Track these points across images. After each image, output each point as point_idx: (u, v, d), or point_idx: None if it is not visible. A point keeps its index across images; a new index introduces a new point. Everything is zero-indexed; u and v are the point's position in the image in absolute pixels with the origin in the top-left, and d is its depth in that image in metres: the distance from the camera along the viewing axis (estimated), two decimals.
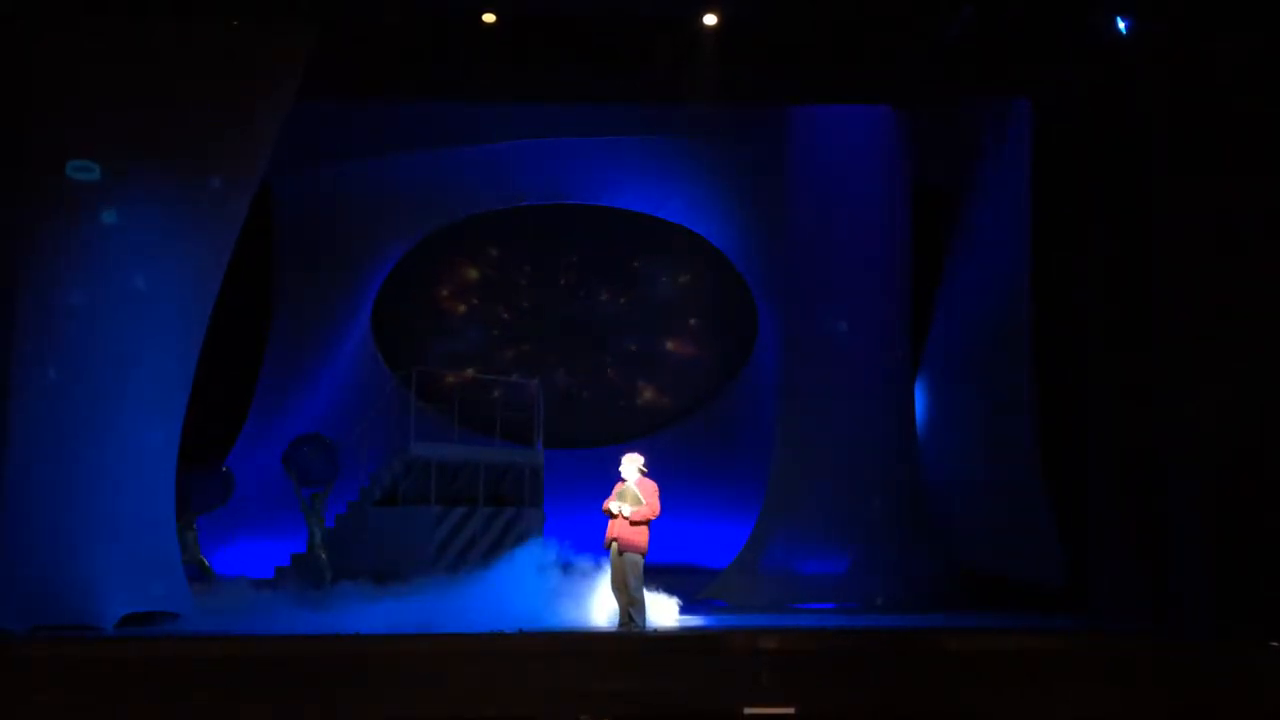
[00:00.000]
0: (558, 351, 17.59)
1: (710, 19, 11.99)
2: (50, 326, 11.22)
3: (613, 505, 10.70)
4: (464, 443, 15.30)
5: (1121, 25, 11.73)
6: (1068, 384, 12.75)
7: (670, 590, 11.71)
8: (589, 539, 11.85)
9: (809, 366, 14.63)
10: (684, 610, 11.74)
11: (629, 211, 17.54)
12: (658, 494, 10.78)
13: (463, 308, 17.77)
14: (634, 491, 10.69)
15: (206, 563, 13.82)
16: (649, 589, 11.18)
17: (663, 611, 11.36)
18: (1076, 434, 12.58)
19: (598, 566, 11.43)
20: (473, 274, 17.77)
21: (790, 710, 9.09)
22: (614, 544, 10.69)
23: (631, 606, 10.53)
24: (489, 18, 11.89)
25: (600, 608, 11.21)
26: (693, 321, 17.79)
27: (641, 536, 10.62)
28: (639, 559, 10.60)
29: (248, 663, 9.36)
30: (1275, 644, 9.59)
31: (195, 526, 13.78)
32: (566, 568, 11.62)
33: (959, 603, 13.82)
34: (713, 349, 17.74)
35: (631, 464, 10.92)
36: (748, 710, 9.10)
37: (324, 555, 13.50)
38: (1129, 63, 11.72)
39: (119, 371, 11.32)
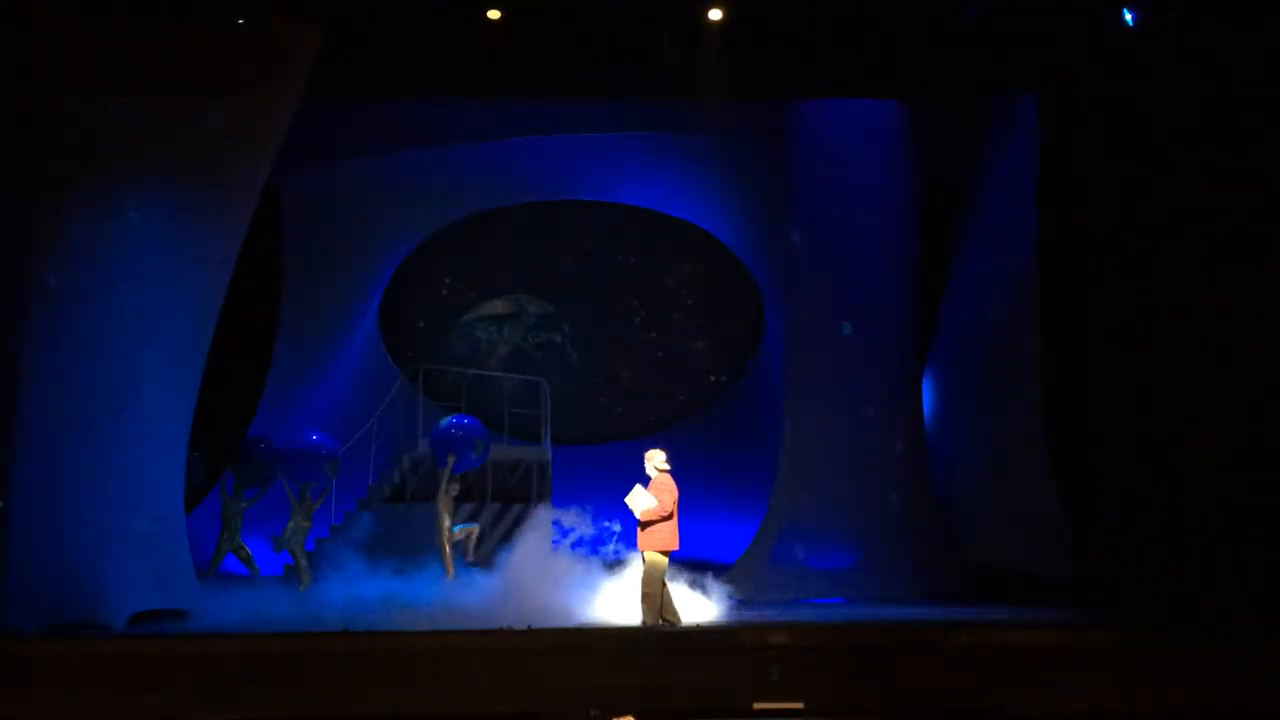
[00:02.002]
0: (564, 347, 17.59)
1: (715, 14, 11.98)
2: (58, 328, 11.25)
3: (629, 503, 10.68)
4: None
5: (1128, 17, 11.69)
6: (1075, 378, 12.73)
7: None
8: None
9: (816, 361, 14.60)
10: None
11: (635, 208, 17.54)
12: (670, 490, 10.58)
13: (469, 305, 17.78)
14: (641, 491, 10.62)
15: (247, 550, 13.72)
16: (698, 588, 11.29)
17: (705, 612, 11.31)
18: (1085, 428, 12.57)
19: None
20: (478, 271, 17.78)
21: (799, 705, 9.11)
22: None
23: (643, 602, 10.52)
24: (494, 14, 11.91)
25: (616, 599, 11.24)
26: (699, 317, 17.78)
27: (653, 536, 10.49)
28: (655, 557, 10.51)
29: (255, 658, 9.39)
30: None
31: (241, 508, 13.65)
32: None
33: (968, 597, 13.82)
34: (719, 344, 17.74)
35: (649, 462, 10.84)
36: (757, 705, 9.12)
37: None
38: (1135, 57, 11.69)
39: (128, 370, 11.35)
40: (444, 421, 13.80)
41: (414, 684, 9.28)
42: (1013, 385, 13.76)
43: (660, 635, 10.19)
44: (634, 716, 8.56)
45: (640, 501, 10.50)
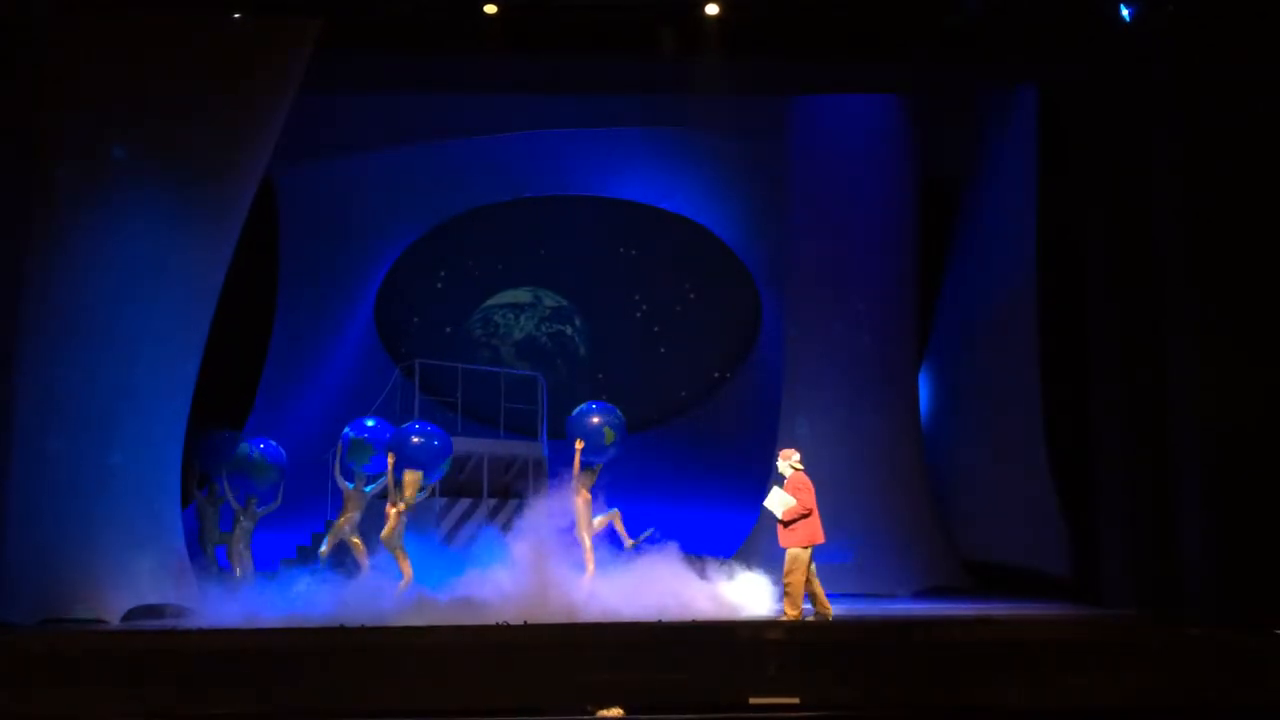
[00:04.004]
0: (561, 343, 17.60)
1: (712, 9, 11.97)
2: (53, 324, 11.23)
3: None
4: (468, 435, 15.29)
5: (1125, 13, 11.70)
6: (1073, 372, 12.73)
7: None
8: None
9: (813, 356, 14.61)
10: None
11: (632, 203, 17.53)
12: (806, 487, 10.80)
13: (466, 301, 17.79)
14: (778, 492, 10.82)
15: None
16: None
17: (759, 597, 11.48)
18: (1083, 422, 12.56)
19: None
20: (475, 267, 17.78)
21: (795, 700, 9.10)
22: None
23: (784, 595, 10.73)
24: (491, 9, 11.89)
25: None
26: (696, 312, 17.78)
27: (795, 532, 10.70)
28: (796, 552, 10.68)
29: (253, 654, 9.37)
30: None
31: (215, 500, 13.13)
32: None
33: (966, 592, 13.83)
34: (717, 340, 17.75)
35: (784, 460, 11.04)
36: (753, 700, 9.12)
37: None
38: (1135, 49, 11.69)
39: (124, 365, 11.34)
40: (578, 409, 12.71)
41: (410, 679, 9.25)
42: (1011, 379, 13.76)
43: (657, 629, 10.18)
44: (621, 710, 8.56)
45: (779, 502, 10.74)
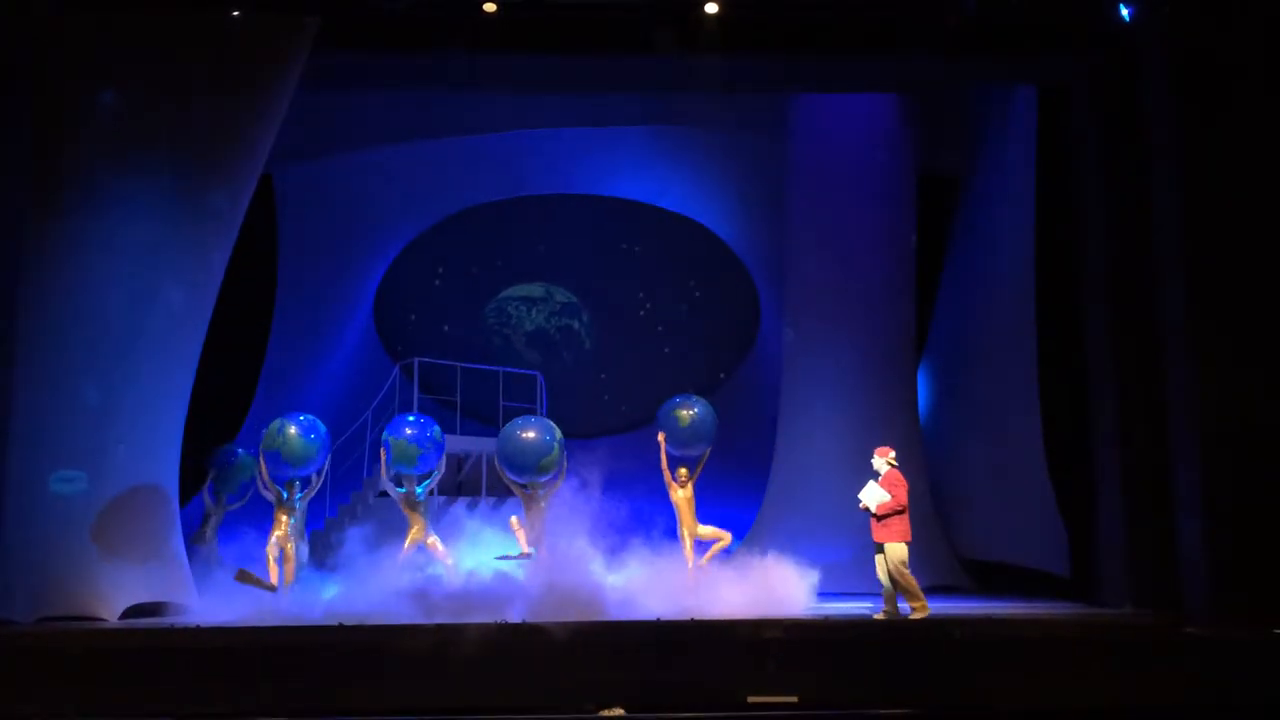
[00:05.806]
0: (560, 342, 17.60)
1: (712, 7, 11.96)
2: (52, 321, 11.23)
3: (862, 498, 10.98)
4: (466, 434, 15.29)
5: (1125, 13, 11.71)
6: (1072, 371, 12.73)
7: None
8: None
9: (812, 354, 14.60)
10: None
11: (630, 201, 17.53)
12: (901, 484, 10.89)
13: (464, 299, 17.78)
14: (874, 487, 10.91)
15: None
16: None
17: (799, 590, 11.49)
18: (1082, 422, 12.57)
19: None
20: (473, 265, 17.78)
21: (793, 699, 9.11)
22: None
23: (891, 597, 10.82)
24: (490, 7, 11.88)
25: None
26: (694, 310, 17.78)
27: (889, 528, 10.82)
28: (894, 547, 10.81)
29: (251, 653, 9.37)
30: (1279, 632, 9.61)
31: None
32: None
33: (965, 591, 13.81)
34: (715, 337, 17.74)
35: (880, 457, 11.11)
36: (752, 698, 9.12)
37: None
38: (1134, 48, 11.70)
39: (122, 363, 11.34)
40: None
41: (409, 678, 9.25)
42: (1010, 378, 13.73)
43: (655, 628, 10.16)
44: (622, 709, 8.58)
45: (874, 497, 10.86)
